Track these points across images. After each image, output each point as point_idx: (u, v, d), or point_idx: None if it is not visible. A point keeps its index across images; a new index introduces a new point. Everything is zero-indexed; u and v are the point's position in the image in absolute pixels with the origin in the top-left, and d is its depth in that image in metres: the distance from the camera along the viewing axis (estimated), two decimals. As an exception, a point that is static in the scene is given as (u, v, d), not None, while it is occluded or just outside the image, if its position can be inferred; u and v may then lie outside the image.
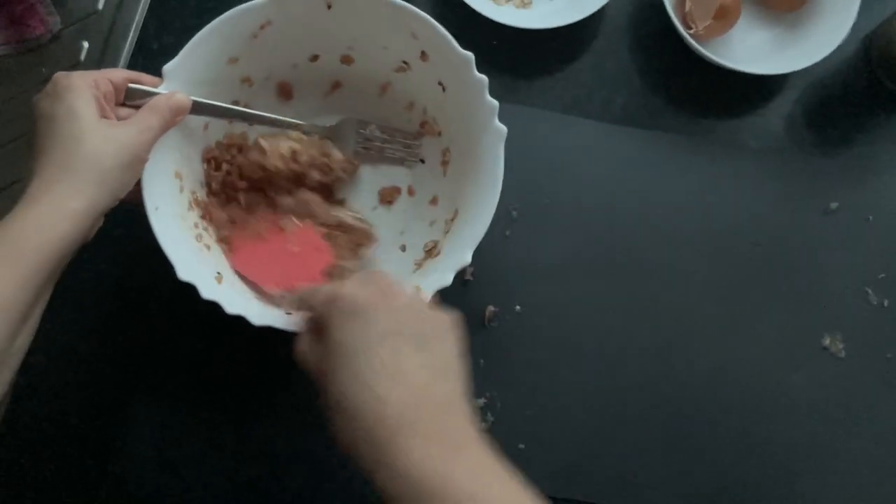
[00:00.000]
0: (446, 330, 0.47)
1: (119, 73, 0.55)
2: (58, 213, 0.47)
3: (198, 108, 0.59)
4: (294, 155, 0.64)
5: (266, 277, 0.62)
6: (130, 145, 0.51)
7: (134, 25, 0.75)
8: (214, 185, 0.65)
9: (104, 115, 0.52)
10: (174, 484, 0.64)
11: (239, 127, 0.67)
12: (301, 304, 0.51)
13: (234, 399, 0.67)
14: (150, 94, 0.56)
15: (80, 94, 0.50)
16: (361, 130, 0.68)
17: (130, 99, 0.56)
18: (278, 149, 0.64)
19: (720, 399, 0.68)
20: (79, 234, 0.49)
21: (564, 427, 0.66)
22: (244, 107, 0.67)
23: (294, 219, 0.65)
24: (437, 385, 0.44)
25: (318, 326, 0.48)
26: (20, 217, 0.47)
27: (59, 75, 0.52)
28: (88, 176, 0.49)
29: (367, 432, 0.41)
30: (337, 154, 0.66)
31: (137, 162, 0.53)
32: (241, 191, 0.65)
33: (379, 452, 0.41)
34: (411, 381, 0.43)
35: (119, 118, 0.54)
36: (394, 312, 0.45)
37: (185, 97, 0.57)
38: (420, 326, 0.46)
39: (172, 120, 0.56)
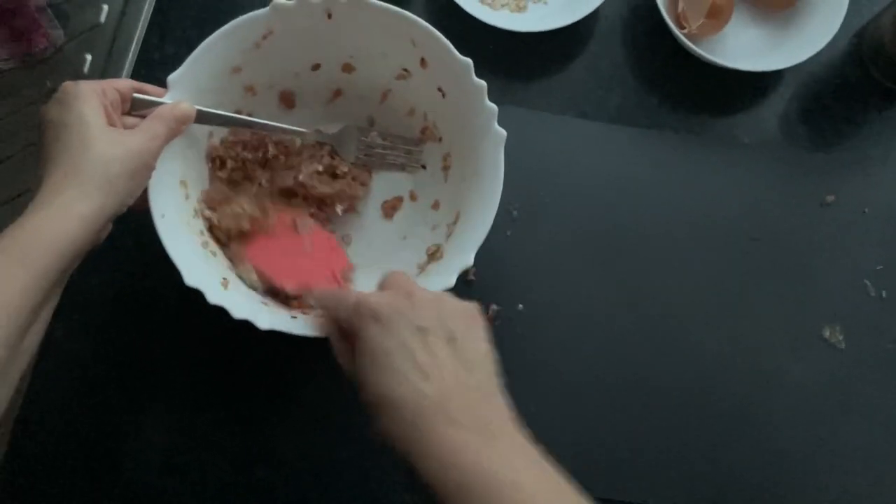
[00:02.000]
0: (473, 320, 0.48)
1: (125, 83, 0.56)
2: (66, 216, 0.48)
3: (202, 118, 0.60)
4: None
5: (279, 271, 0.63)
6: (138, 152, 0.52)
7: (136, 37, 0.76)
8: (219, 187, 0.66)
9: (111, 123, 0.53)
10: (183, 488, 0.65)
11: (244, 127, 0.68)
12: (328, 311, 0.52)
13: (242, 403, 0.67)
14: (155, 104, 0.57)
15: (89, 101, 0.51)
16: (363, 138, 0.69)
17: (136, 109, 0.57)
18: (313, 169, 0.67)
19: (722, 392, 0.69)
20: (87, 238, 0.49)
21: (567, 423, 0.67)
22: (247, 115, 0.68)
23: (307, 220, 0.66)
24: (471, 375, 0.45)
25: (348, 332, 0.49)
26: (29, 220, 0.47)
27: (68, 84, 0.53)
28: (96, 181, 0.49)
29: (410, 424, 0.43)
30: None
31: (145, 169, 0.54)
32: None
33: (421, 443, 0.42)
34: (446, 374, 0.44)
35: (125, 127, 0.55)
36: (420, 310, 0.46)
37: (190, 107, 0.58)
38: (447, 321, 0.47)
39: (178, 129, 0.57)
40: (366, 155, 0.69)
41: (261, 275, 0.63)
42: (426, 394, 0.43)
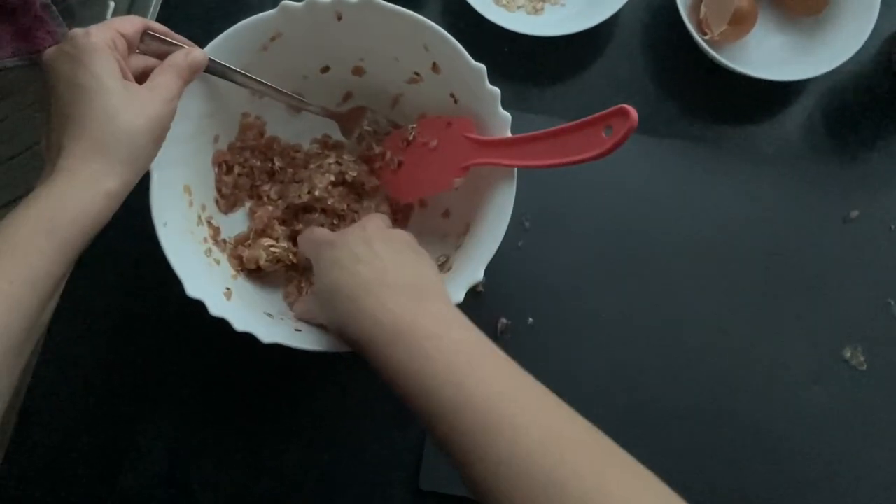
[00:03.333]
0: (389, 233, 0.54)
1: (130, 25, 0.53)
2: (94, 192, 0.46)
3: (212, 68, 0.58)
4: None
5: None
6: (159, 118, 0.50)
7: (142, 36, 0.74)
8: (225, 190, 0.65)
9: (125, 78, 0.50)
10: (183, 500, 0.64)
11: (251, 132, 0.67)
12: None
13: (244, 415, 0.66)
14: (165, 44, 0.55)
15: (105, 60, 0.48)
16: (370, 120, 0.67)
17: (144, 49, 0.55)
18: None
19: (739, 411, 0.67)
20: (109, 214, 0.48)
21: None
22: (254, 118, 0.66)
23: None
24: (408, 265, 0.51)
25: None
26: (55, 190, 0.46)
27: (78, 34, 0.49)
28: (123, 155, 0.48)
29: (348, 299, 0.48)
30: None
31: (165, 133, 0.52)
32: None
33: (355, 308, 0.47)
34: (385, 260, 0.50)
35: (133, 73, 0.52)
36: (368, 230, 0.53)
37: (202, 54, 0.55)
38: (366, 232, 0.53)
39: (191, 78, 0.55)
40: (369, 133, 0.68)
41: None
42: (362, 273, 0.49)
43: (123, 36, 0.52)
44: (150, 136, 0.50)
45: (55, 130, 0.49)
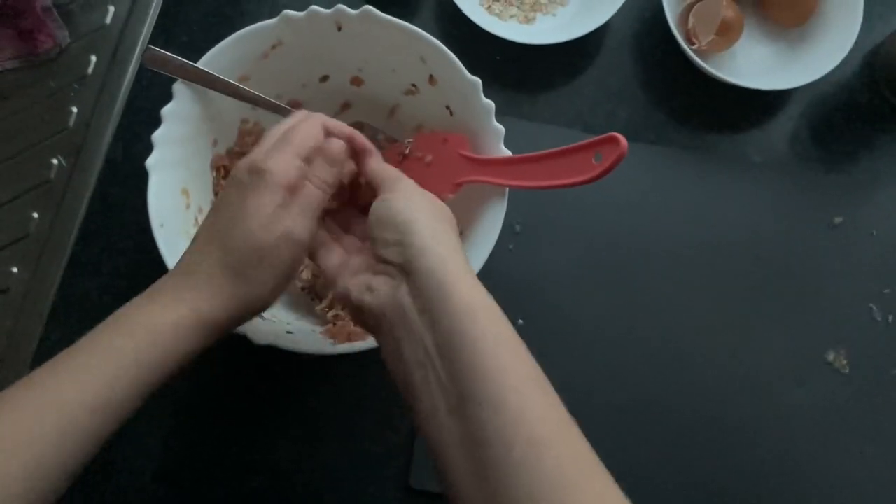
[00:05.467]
0: None
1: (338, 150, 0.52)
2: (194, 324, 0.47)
3: (208, 82, 0.59)
4: None
5: None
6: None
7: (141, 40, 0.75)
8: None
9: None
10: (174, 495, 0.65)
11: (250, 139, 0.68)
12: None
13: (237, 413, 0.67)
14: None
15: (299, 227, 0.48)
16: (368, 135, 0.68)
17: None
18: None
19: (724, 413, 0.68)
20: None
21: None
22: (252, 124, 0.67)
23: None
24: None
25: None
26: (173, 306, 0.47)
27: (278, 176, 0.47)
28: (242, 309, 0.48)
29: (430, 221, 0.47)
30: None
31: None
32: None
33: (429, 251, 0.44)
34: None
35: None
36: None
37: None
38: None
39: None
40: None
41: None
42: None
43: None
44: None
45: (213, 244, 0.48)
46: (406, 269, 0.44)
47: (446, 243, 0.45)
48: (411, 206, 0.47)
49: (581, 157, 0.52)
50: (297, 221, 0.47)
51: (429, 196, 0.50)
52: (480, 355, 0.40)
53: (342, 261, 0.52)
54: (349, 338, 0.58)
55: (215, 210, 0.49)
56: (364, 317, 0.47)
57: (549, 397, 0.42)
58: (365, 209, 0.51)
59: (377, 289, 0.46)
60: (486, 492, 0.37)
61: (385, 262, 0.46)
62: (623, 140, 0.49)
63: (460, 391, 0.39)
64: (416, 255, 0.43)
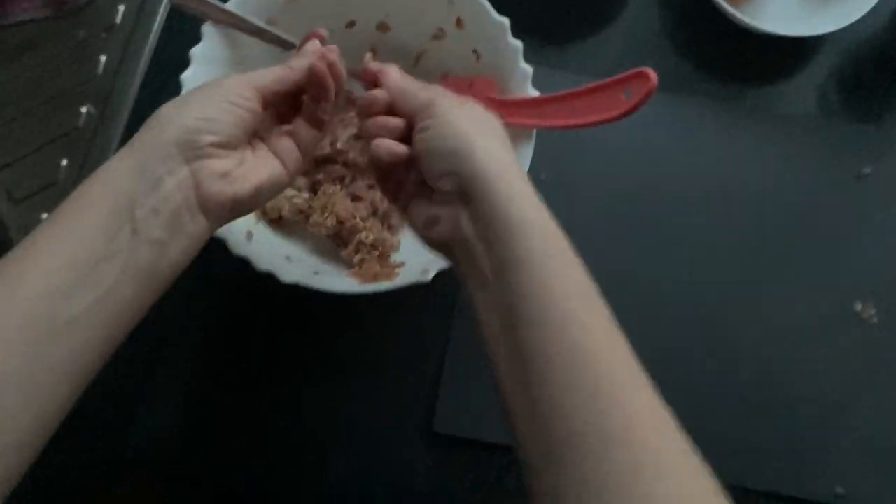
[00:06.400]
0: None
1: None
2: None
3: (234, 24, 0.59)
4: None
5: None
6: None
7: (169, -10, 0.75)
8: None
9: None
10: (198, 447, 0.66)
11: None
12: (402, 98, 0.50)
13: (260, 360, 0.68)
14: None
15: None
16: None
17: None
18: None
19: (751, 366, 0.68)
20: None
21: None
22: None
23: None
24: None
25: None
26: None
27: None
28: None
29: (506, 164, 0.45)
30: None
31: None
32: None
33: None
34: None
35: None
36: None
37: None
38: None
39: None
40: None
41: None
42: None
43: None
44: None
45: None
46: (464, 196, 0.44)
47: (498, 161, 0.44)
48: (457, 130, 0.45)
49: (610, 93, 0.52)
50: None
51: (470, 108, 0.48)
52: (527, 275, 0.40)
53: (401, 183, 0.51)
54: (375, 278, 0.58)
55: None
56: (437, 248, 0.47)
57: (596, 310, 0.42)
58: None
59: (441, 219, 0.46)
60: (531, 409, 0.38)
61: (441, 191, 0.46)
62: (653, 74, 0.49)
63: (511, 310, 0.40)
64: (470, 182, 0.43)
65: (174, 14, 0.75)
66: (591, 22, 0.77)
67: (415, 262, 0.61)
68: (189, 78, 0.58)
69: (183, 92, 0.57)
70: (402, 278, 0.58)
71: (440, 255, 0.48)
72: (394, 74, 0.51)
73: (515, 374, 0.39)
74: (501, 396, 0.41)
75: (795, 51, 0.77)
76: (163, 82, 0.72)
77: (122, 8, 0.74)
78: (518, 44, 0.59)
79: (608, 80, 0.52)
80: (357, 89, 0.70)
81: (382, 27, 0.68)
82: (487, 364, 0.42)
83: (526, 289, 0.40)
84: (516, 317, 0.39)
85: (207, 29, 0.59)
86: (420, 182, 0.48)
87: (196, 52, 0.58)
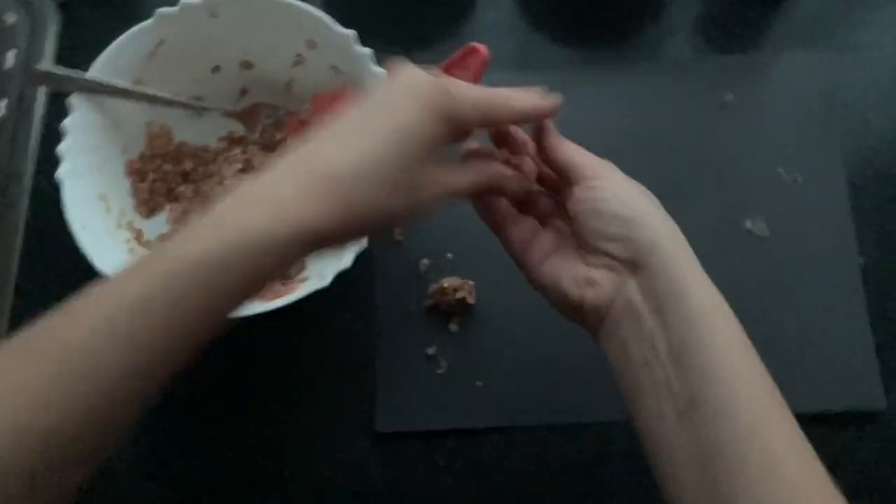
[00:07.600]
0: None
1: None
2: None
3: (105, 90, 0.62)
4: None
5: None
6: None
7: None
8: (142, 196, 0.69)
9: None
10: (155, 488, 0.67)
11: (160, 141, 0.71)
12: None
13: (198, 399, 0.69)
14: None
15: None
16: (268, 113, 0.72)
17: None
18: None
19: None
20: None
21: (521, 357, 0.69)
22: (160, 127, 0.70)
23: None
24: None
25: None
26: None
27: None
28: None
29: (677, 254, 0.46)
30: None
31: None
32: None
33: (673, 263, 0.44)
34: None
35: None
36: None
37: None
38: None
39: None
40: (272, 125, 0.72)
41: None
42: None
43: None
44: None
45: None
46: (634, 266, 0.43)
47: (674, 238, 0.44)
48: (632, 197, 0.45)
49: (454, 73, 0.55)
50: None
51: (637, 185, 0.47)
52: (715, 360, 0.40)
53: (530, 237, 0.49)
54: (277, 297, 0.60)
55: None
56: (582, 312, 0.46)
57: (782, 409, 0.40)
58: None
59: (599, 283, 0.44)
60: (716, 501, 0.38)
61: (606, 254, 0.44)
62: (482, 46, 0.53)
63: (692, 396, 0.39)
64: (647, 251, 0.43)
65: (55, 95, 0.77)
66: (445, 18, 0.81)
67: (314, 271, 0.63)
68: (66, 149, 0.60)
69: (63, 163, 0.59)
70: (304, 288, 0.59)
71: (572, 316, 0.47)
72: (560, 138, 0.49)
73: (699, 465, 0.39)
74: (664, 477, 0.40)
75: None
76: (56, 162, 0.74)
77: (2, 104, 0.77)
78: (367, 51, 0.62)
79: (446, 61, 0.55)
80: (239, 129, 0.73)
81: (246, 65, 0.71)
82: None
83: (714, 376, 0.39)
84: (700, 402, 0.39)
85: (74, 100, 0.61)
86: (558, 240, 0.48)
87: (67, 123, 0.60)
